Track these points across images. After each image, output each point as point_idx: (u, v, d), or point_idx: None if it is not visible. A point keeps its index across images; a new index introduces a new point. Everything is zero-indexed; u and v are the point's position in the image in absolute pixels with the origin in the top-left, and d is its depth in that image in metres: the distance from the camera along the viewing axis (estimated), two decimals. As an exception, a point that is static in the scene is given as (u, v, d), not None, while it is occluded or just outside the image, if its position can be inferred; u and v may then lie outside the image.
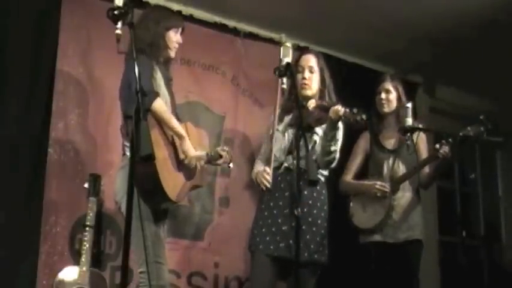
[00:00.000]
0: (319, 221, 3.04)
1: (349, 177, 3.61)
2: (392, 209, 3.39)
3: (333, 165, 3.09)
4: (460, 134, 3.15)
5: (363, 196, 3.51)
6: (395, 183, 3.42)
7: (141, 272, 2.64)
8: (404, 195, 3.45)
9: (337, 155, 3.05)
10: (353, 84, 4.45)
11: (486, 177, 5.88)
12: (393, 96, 3.50)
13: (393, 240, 3.38)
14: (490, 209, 5.82)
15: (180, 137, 2.76)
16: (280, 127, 3.11)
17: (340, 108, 2.78)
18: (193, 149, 2.83)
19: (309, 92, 3.09)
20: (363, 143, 3.65)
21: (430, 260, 4.61)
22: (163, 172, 2.61)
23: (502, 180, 6.00)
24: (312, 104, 3.00)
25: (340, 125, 3.00)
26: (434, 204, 5.08)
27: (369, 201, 3.47)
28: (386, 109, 3.50)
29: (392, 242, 3.38)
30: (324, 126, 2.99)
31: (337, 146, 3.00)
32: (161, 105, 2.65)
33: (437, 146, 3.23)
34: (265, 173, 2.97)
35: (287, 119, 3.12)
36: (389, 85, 3.51)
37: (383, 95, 3.50)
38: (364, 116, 2.66)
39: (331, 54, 4.50)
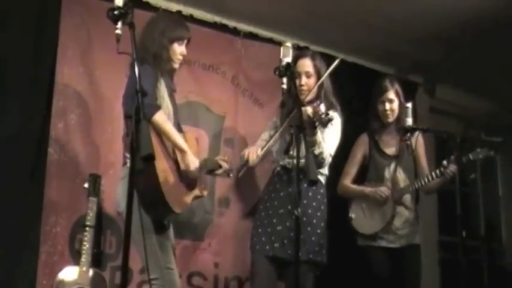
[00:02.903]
0: (314, 221, 3.03)
1: (348, 180, 3.58)
2: (393, 218, 3.38)
3: (325, 164, 3.08)
4: (469, 157, 3.14)
5: (363, 201, 3.49)
6: (399, 192, 3.40)
7: (152, 279, 2.63)
8: (405, 205, 3.44)
9: (326, 155, 3.01)
10: (353, 84, 4.45)
11: (486, 177, 5.88)
12: (396, 104, 3.44)
13: (392, 245, 3.39)
14: (490, 209, 5.82)
15: (182, 150, 2.73)
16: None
17: (307, 109, 2.76)
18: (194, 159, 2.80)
19: (306, 98, 3.07)
20: (362, 147, 3.61)
21: (430, 260, 4.60)
22: (165, 184, 2.60)
23: (502, 180, 6.01)
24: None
25: (338, 123, 3.00)
26: (434, 204, 5.08)
27: (370, 207, 3.46)
28: (391, 119, 3.45)
29: (391, 247, 3.38)
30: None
31: (321, 148, 2.96)
32: (162, 117, 2.63)
33: (445, 162, 3.18)
34: (255, 153, 3.03)
35: (287, 119, 3.12)
36: (391, 94, 3.44)
37: (387, 106, 3.44)
38: (328, 113, 2.69)
39: (331, 54, 4.50)
